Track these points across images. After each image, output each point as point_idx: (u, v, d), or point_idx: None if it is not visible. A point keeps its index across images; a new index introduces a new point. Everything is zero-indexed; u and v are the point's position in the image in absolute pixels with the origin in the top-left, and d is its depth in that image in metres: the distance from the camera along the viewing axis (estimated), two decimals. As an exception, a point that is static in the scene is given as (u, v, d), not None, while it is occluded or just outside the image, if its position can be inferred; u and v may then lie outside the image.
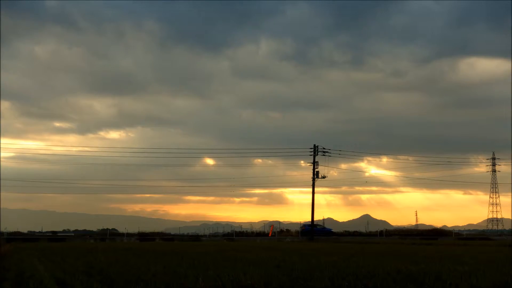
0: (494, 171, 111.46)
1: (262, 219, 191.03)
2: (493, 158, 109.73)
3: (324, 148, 74.59)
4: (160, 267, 16.90)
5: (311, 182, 73.65)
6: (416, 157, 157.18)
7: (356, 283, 12.06)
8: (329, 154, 75.16)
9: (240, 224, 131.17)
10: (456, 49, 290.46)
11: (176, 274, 14.40)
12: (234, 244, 48.94)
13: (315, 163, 73.57)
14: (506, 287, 11.98)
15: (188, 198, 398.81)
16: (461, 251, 29.10)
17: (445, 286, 11.70)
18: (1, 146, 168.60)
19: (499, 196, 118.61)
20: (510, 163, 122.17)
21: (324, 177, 73.51)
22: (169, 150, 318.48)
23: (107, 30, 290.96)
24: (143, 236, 74.18)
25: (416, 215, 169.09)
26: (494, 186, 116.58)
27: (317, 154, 74.03)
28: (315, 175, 73.11)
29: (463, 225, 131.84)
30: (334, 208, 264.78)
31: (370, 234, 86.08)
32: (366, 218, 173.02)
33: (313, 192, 73.09)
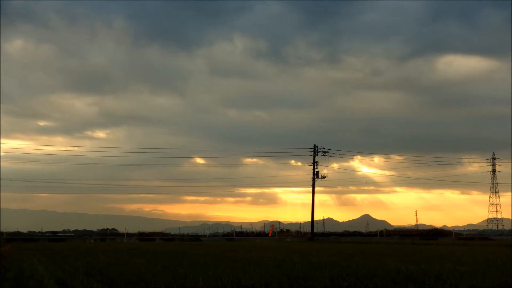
0: (494, 171, 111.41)
1: (262, 219, 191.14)
2: (493, 158, 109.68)
3: (324, 148, 74.64)
4: (160, 267, 16.89)
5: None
6: (411, 157, 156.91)
7: (356, 283, 12.06)
8: (329, 154, 75.23)
9: (240, 224, 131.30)
10: (432, 47, 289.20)
11: (176, 274, 14.39)
12: (234, 244, 48.94)
13: (315, 163, 73.57)
14: (506, 287, 11.98)
15: (184, 198, 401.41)
16: (461, 251, 29.10)
17: (445, 286, 11.70)
18: (0, 147, 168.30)
19: (499, 196, 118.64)
20: (510, 163, 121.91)
21: (324, 177, 73.49)
22: (162, 150, 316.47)
23: (79, 28, 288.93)
24: (143, 236, 74.27)
25: (416, 215, 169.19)
26: (494, 186, 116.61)
27: (317, 154, 74.02)
28: (315, 175, 73.09)
29: (463, 225, 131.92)
30: (329, 208, 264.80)
31: (370, 234, 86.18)
32: (366, 218, 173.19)
33: (313, 192, 73.13)
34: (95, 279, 13.75)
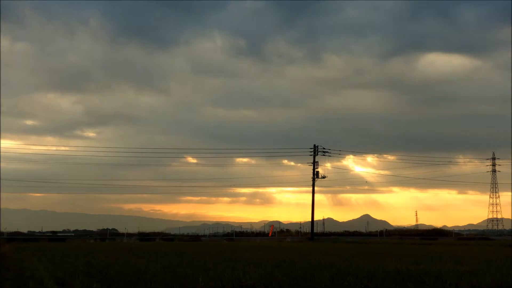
0: (494, 171, 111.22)
1: (261, 219, 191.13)
2: (493, 158, 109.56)
3: (324, 148, 74.62)
4: (160, 267, 16.90)
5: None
6: (407, 157, 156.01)
7: (356, 283, 12.06)
8: (329, 154, 75.23)
9: (240, 224, 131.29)
10: (412, 45, 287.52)
11: (176, 274, 14.40)
12: (234, 244, 48.94)
13: (315, 163, 73.52)
14: (506, 287, 11.98)
15: (181, 198, 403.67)
16: (461, 251, 29.10)
17: (445, 286, 11.71)
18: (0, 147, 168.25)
19: (499, 196, 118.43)
20: (510, 163, 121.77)
21: (324, 177, 73.45)
22: (157, 150, 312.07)
23: (55, 26, 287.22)
24: (143, 236, 74.23)
25: (416, 215, 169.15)
26: (494, 186, 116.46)
27: (317, 154, 73.98)
28: (315, 175, 73.06)
29: (463, 225, 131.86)
30: (328, 208, 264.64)
31: (370, 234, 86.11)
32: (366, 218, 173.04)
33: (313, 192, 73.13)
34: (95, 279, 13.75)
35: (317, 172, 73.01)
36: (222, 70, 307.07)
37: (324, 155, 74.55)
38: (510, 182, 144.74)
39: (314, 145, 74.51)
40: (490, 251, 28.63)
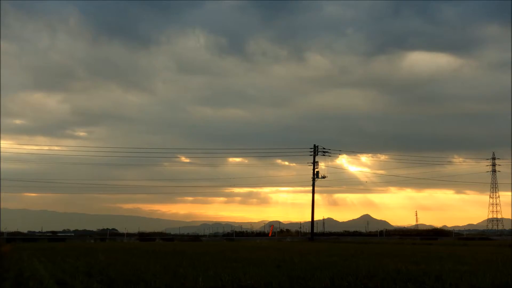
0: (494, 171, 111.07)
1: (262, 219, 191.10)
2: (493, 158, 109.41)
3: (324, 148, 74.65)
4: (160, 267, 16.90)
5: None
6: (405, 156, 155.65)
7: (356, 283, 12.07)
8: (329, 154, 75.29)
9: (240, 224, 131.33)
10: (395, 44, 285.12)
11: (176, 274, 14.40)
12: (234, 244, 48.95)
13: (315, 163, 73.55)
14: (506, 287, 11.98)
15: (180, 198, 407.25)
16: (461, 251, 29.10)
17: (445, 286, 11.71)
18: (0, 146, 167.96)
19: (499, 196, 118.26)
20: (510, 163, 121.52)
21: (324, 177, 73.47)
22: (155, 150, 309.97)
23: (37, 25, 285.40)
24: (143, 236, 74.26)
25: (416, 215, 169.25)
26: (494, 186, 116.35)
27: (317, 154, 74.00)
28: (315, 175, 73.11)
29: (463, 225, 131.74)
30: (328, 208, 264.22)
31: (370, 234, 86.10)
32: (366, 218, 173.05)
33: (313, 192, 73.20)
34: (95, 279, 13.76)
35: (317, 172, 73.10)
36: (207, 69, 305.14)
37: (324, 155, 74.63)
38: (510, 182, 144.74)
39: (314, 145, 74.58)
40: (490, 251, 28.64)
